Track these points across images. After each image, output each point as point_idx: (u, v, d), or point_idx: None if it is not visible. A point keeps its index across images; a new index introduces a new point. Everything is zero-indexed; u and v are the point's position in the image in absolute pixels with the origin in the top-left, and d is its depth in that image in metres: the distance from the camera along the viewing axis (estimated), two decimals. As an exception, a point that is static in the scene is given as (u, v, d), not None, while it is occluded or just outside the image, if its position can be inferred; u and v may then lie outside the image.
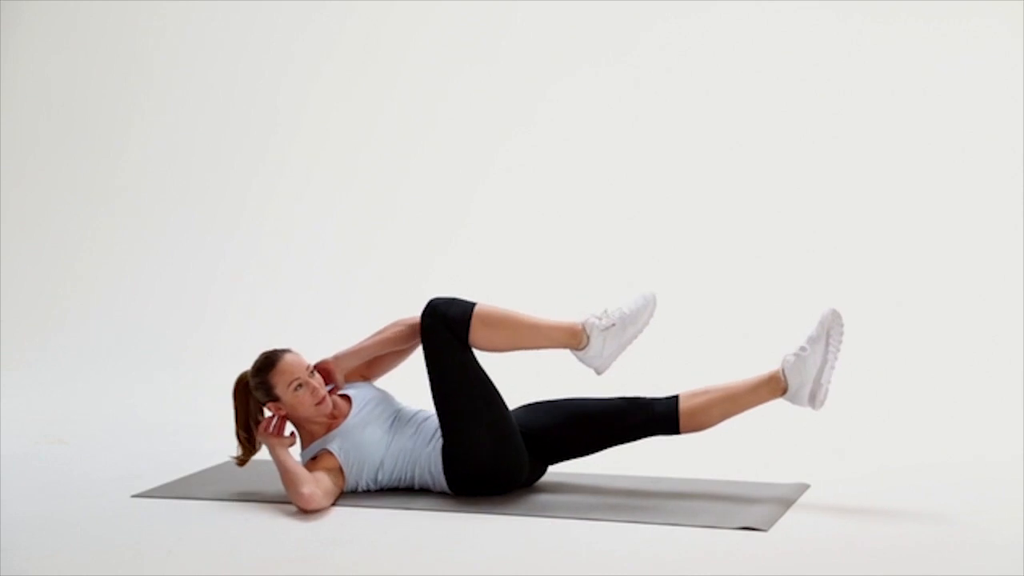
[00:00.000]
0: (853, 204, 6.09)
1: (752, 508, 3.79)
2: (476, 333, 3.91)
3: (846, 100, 6.18)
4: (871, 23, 6.20)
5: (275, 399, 3.98)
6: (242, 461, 4.07)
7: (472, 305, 3.93)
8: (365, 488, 4.01)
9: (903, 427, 4.91)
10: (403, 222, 6.52)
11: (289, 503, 3.92)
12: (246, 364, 4.10)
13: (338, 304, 6.24)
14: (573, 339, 3.95)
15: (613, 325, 3.93)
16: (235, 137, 6.80)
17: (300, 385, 3.96)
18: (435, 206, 6.51)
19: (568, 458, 4.07)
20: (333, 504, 3.92)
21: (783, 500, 3.89)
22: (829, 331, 3.84)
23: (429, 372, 3.95)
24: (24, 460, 4.61)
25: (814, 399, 3.85)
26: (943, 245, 5.92)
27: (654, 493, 3.99)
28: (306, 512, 3.85)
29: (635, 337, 3.96)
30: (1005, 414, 4.94)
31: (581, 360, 3.98)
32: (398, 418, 4.08)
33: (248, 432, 4.03)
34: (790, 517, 3.74)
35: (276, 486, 4.10)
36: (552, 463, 4.08)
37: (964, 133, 6.03)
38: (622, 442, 4.02)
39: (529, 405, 4.08)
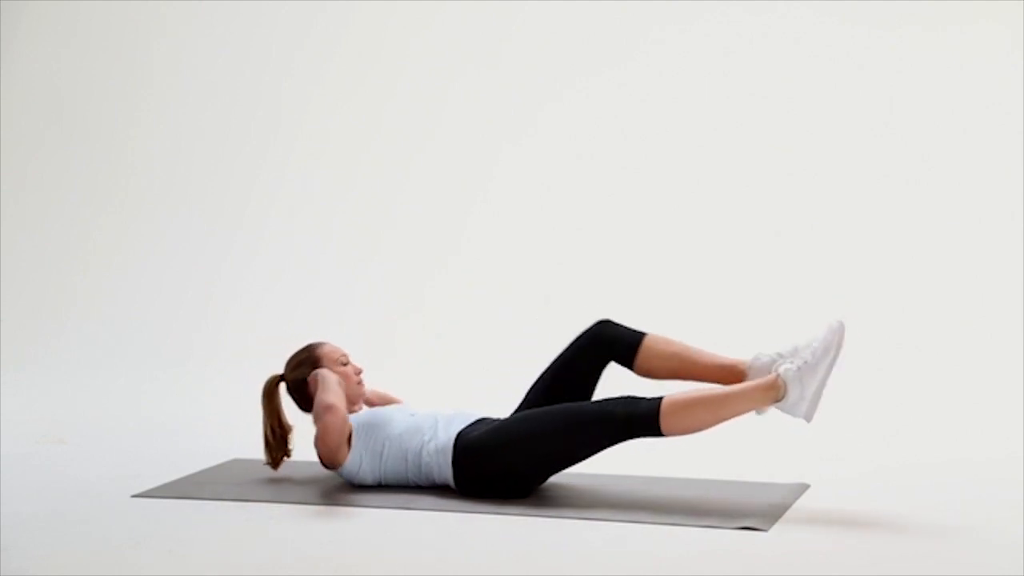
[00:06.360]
0: (853, 205, 6.08)
1: (752, 508, 3.78)
2: (645, 360, 4.00)
3: (846, 101, 6.18)
4: (872, 27, 6.19)
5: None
6: (276, 462, 4.18)
7: (643, 334, 4.02)
8: (370, 468, 4.01)
9: (903, 427, 4.91)
10: (406, 225, 6.52)
11: (289, 503, 3.93)
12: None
13: (340, 305, 6.24)
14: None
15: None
16: (238, 138, 6.80)
17: (345, 363, 4.17)
18: (438, 209, 6.50)
19: (553, 471, 3.95)
20: (334, 506, 3.93)
21: (783, 500, 3.88)
22: (835, 345, 3.72)
23: (557, 363, 4.03)
24: (24, 460, 4.61)
25: (810, 412, 3.73)
26: (943, 245, 5.92)
27: (654, 493, 3.99)
28: (326, 423, 3.92)
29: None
30: (1005, 414, 4.94)
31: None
32: (418, 412, 4.14)
33: (279, 431, 4.16)
34: (790, 517, 3.73)
35: (276, 486, 4.10)
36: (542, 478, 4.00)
37: (964, 135, 6.03)
38: (605, 446, 3.88)
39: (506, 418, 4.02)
